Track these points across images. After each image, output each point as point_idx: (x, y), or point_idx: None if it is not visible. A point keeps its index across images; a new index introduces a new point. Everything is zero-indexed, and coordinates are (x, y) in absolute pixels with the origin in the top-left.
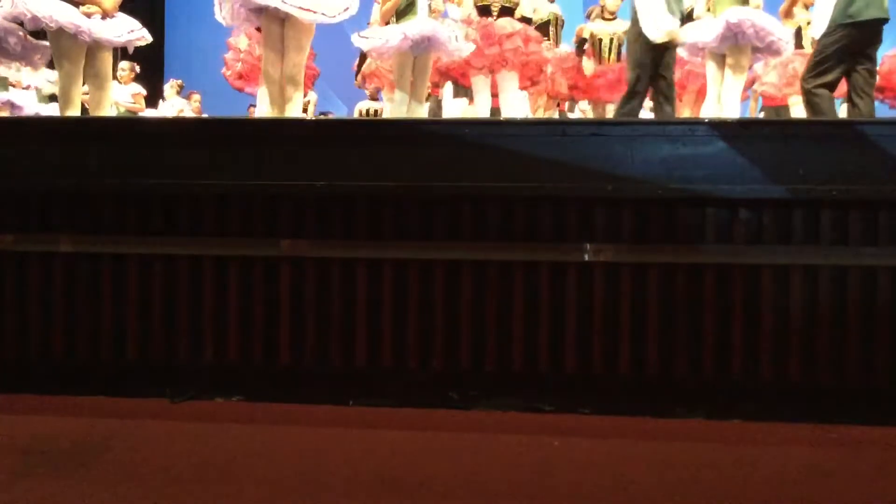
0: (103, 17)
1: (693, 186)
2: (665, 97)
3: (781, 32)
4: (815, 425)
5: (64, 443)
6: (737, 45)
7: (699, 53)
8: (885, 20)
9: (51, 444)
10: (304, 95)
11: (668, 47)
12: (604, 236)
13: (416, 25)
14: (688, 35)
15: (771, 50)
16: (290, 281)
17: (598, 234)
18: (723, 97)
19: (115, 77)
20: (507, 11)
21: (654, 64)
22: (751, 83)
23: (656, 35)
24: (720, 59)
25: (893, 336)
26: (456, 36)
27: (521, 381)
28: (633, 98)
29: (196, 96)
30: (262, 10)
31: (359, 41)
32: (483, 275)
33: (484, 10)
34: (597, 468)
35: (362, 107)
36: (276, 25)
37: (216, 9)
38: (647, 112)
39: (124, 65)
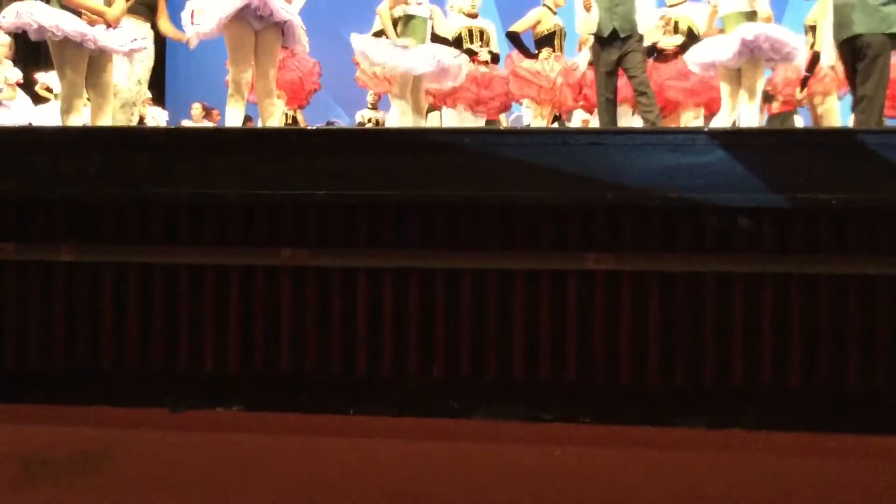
0: (107, 28)
1: (693, 195)
2: (642, 105)
3: (795, 41)
4: (815, 434)
5: (64, 452)
6: (752, 60)
7: (712, 69)
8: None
9: (51, 454)
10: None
11: (624, 53)
12: (604, 245)
13: (449, 55)
14: (700, 53)
15: (787, 59)
16: (290, 290)
17: (599, 243)
18: (742, 112)
19: None
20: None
21: (609, 64)
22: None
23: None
24: (733, 74)
25: (893, 345)
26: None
27: (522, 389)
28: (605, 104)
29: (197, 105)
30: (237, 18)
31: (390, 57)
32: (483, 283)
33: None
34: (598, 477)
35: (363, 115)
36: (250, 36)
37: (187, 22)
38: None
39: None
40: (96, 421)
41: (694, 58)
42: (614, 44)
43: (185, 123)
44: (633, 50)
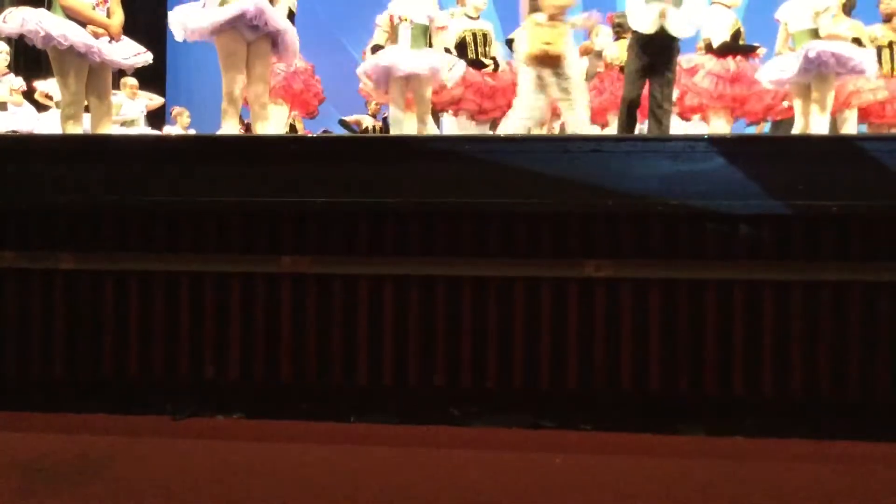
0: (110, 41)
1: (693, 202)
2: (655, 118)
3: (860, 55)
4: (816, 441)
5: (65, 460)
6: (820, 75)
7: (784, 86)
8: None
9: (51, 462)
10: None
11: (660, 61)
12: (604, 252)
13: (402, 57)
14: (770, 71)
15: (855, 72)
16: (291, 297)
17: (599, 250)
18: (813, 125)
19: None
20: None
21: (643, 73)
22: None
23: (642, 25)
24: (804, 90)
25: (894, 351)
26: (448, 66)
27: (523, 397)
28: (630, 109)
29: (177, 109)
30: (229, 28)
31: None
32: (484, 291)
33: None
34: (599, 485)
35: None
36: (242, 46)
37: (176, 27)
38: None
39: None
40: (97, 429)
41: (765, 75)
42: (654, 43)
43: (168, 129)
44: (667, 70)
